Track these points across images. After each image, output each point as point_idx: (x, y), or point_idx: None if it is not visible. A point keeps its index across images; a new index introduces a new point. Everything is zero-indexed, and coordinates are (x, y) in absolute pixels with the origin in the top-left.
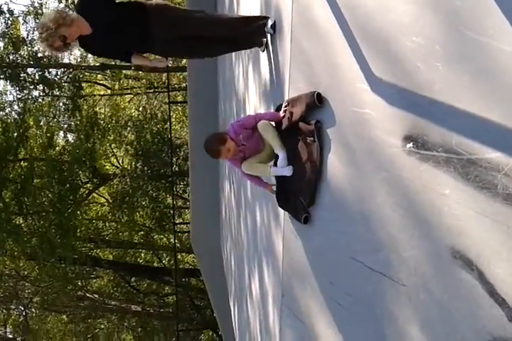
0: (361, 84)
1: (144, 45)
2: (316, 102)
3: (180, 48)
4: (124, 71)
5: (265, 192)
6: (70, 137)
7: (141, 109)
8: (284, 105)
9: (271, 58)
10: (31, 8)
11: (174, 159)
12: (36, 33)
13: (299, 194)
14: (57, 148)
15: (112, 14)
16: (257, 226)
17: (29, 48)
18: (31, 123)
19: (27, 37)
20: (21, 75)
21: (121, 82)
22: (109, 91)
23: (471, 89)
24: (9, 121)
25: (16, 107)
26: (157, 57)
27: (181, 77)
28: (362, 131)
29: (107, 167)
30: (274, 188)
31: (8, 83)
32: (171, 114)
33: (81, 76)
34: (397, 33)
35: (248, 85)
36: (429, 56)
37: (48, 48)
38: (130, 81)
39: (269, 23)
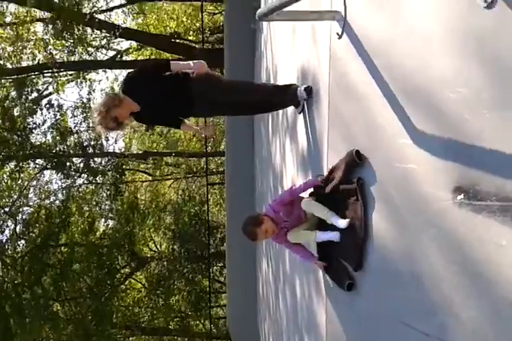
0: (403, 140)
1: (189, 111)
2: (356, 159)
3: (221, 111)
4: (165, 158)
5: (304, 263)
6: (111, 222)
7: (180, 192)
8: (327, 172)
9: (307, 126)
10: (79, 103)
11: (211, 240)
12: (83, 124)
13: (344, 258)
14: (97, 233)
15: (155, 90)
16: (297, 300)
17: (75, 139)
18: (74, 209)
19: (74, 127)
20: (67, 164)
21: (162, 168)
22: (150, 177)
23: None
24: (53, 209)
25: (59, 195)
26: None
27: (219, 161)
28: (407, 186)
29: (145, 251)
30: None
31: (54, 172)
32: (209, 196)
33: (124, 164)
34: (439, 87)
35: (285, 158)
36: (475, 105)
37: (104, 130)
38: (170, 167)
39: (303, 87)
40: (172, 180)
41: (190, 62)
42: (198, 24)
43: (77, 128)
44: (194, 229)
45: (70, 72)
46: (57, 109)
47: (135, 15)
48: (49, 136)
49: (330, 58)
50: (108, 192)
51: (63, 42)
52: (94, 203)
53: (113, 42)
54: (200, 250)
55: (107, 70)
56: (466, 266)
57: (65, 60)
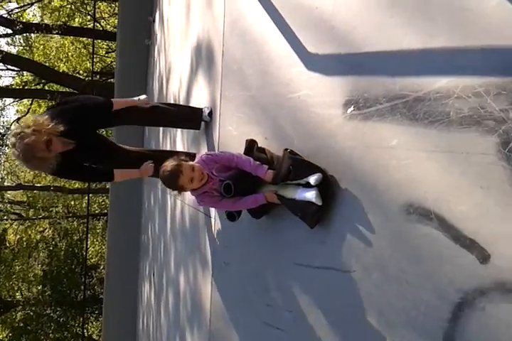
0: (297, 68)
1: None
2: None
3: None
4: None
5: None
6: None
7: (56, 229)
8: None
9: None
10: None
11: (87, 281)
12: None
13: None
14: None
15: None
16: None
17: None
18: None
19: None
20: None
21: (37, 208)
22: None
23: (408, 29)
24: None
25: None
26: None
27: (103, 203)
28: (300, 115)
29: (11, 293)
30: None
31: None
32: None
33: None
34: (323, 14)
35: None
36: (354, 16)
37: (30, 151)
38: (48, 205)
39: (206, 111)
40: (49, 220)
41: (135, 98)
42: (88, 63)
43: None
44: (69, 268)
45: None
46: None
47: (20, 47)
48: None
49: (224, 7)
50: None
51: None
52: None
53: None
54: (74, 292)
55: None
56: (354, 182)
57: None
